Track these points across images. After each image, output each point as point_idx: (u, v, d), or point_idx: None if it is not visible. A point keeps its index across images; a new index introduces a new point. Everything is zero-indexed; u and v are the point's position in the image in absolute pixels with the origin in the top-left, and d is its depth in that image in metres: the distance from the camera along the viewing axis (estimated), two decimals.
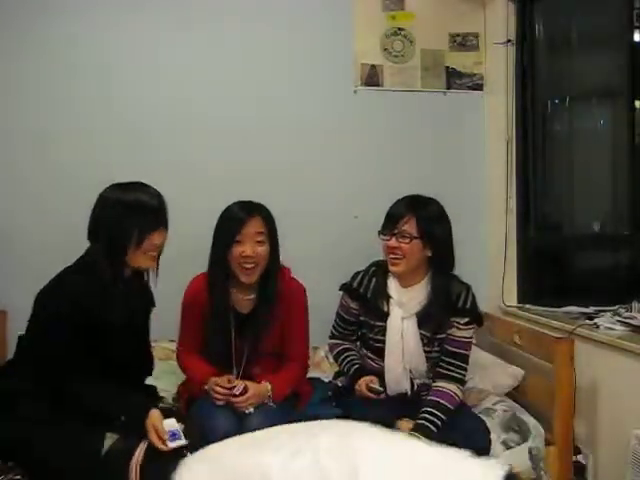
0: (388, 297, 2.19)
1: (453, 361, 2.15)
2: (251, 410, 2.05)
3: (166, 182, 2.84)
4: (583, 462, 2.35)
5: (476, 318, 2.19)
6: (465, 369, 2.17)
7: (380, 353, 2.20)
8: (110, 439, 1.81)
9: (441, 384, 2.13)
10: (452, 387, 2.12)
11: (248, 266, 2.11)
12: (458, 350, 2.15)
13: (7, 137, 2.82)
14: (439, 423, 2.04)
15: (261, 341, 2.18)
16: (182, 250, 2.79)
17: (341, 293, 2.30)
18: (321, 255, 2.75)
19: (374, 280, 2.23)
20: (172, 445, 1.80)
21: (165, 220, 1.97)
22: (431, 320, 2.16)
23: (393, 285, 2.20)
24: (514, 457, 2.16)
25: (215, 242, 2.17)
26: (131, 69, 2.89)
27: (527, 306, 2.92)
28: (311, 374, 2.57)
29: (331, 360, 2.77)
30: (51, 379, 1.86)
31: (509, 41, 2.99)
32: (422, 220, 2.11)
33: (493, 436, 2.16)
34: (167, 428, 1.83)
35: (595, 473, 2.34)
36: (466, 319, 2.15)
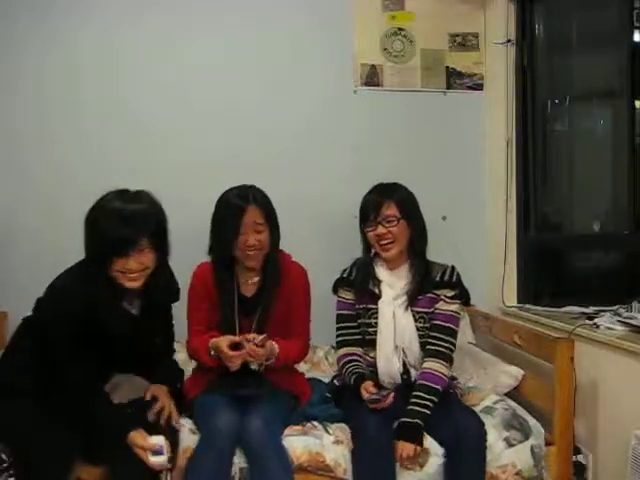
0: (378, 281, 2.30)
1: (441, 335, 2.22)
2: (256, 367, 2.15)
3: (167, 180, 2.90)
4: (583, 462, 2.34)
5: (462, 293, 2.29)
6: (453, 344, 2.23)
7: (374, 343, 2.26)
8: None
9: (428, 365, 2.19)
10: (437, 366, 2.17)
11: (251, 253, 2.20)
12: (445, 324, 2.23)
13: (10, 137, 2.83)
14: (430, 404, 2.10)
15: (265, 322, 2.23)
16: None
17: (336, 298, 2.38)
18: (319, 255, 2.75)
19: (362, 269, 2.35)
20: (153, 460, 1.81)
21: (132, 246, 1.81)
22: (420, 296, 2.25)
23: (380, 270, 2.33)
24: (516, 455, 2.16)
25: (215, 231, 2.24)
26: (133, 69, 2.90)
27: (527, 306, 2.92)
28: (310, 375, 2.58)
29: (330, 360, 2.78)
30: (48, 379, 1.86)
31: (509, 41, 2.98)
32: (400, 202, 2.26)
33: (495, 434, 2.17)
34: (153, 443, 1.82)
35: (595, 473, 2.34)
36: (452, 292, 2.26)
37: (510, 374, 2.48)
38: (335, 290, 2.39)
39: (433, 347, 2.21)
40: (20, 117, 2.83)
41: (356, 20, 3.04)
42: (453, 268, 2.30)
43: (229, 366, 2.09)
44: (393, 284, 2.29)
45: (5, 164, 2.82)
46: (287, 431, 2.12)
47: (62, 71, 2.85)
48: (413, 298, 2.25)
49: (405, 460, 2.04)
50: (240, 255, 2.22)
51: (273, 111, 2.98)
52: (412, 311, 2.25)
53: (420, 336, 2.25)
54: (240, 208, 2.17)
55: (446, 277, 2.27)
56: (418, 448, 2.05)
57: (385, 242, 2.25)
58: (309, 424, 2.17)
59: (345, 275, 2.37)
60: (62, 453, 1.78)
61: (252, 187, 2.25)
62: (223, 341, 2.09)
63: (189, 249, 2.76)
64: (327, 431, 2.14)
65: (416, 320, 2.25)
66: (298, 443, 2.08)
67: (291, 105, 2.99)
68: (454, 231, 3.06)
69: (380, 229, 2.25)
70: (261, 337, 2.09)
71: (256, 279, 2.29)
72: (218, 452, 1.98)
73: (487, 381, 2.49)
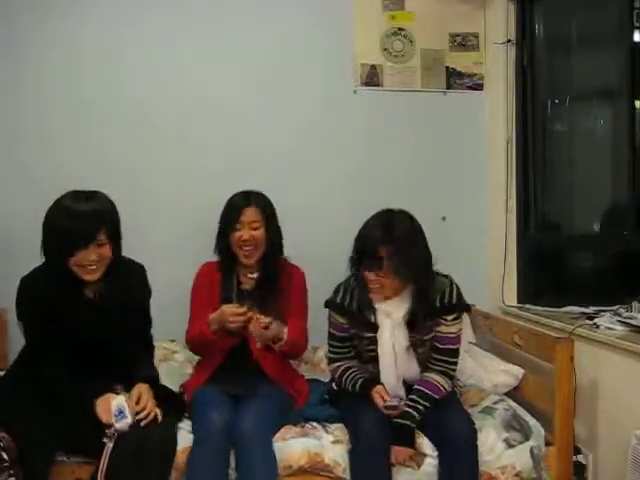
0: (374, 309, 2.18)
1: (443, 357, 2.18)
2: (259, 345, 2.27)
3: (167, 180, 2.91)
4: (583, 462, 2.34)
5: (462, 309, 2.22)
6: (455, 363, 2.21)
7: (373, 361, 2.22)
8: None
9: (428, 375, 2.18)
10: (438, 378, 2.16)
11: (247, 248, 2.36)
12: (447, 346, 2.18)
13: (10, 137, 2.83)
14: (422, 409, 2.09)
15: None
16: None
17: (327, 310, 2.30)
18: (320, 255, 2.75)
19: (357, 293, 2.20)
20: (118, 425, 1.88)
21: (86, 239, 1.92)
22: (419, 323, 2.16)
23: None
24: (516, 456, 2.16)
25: (219, 229, 2.43)
26: (133, 69, 2.90)
27: (527, 306, 2.91)
28: (310, 375, 2.58)
29: None
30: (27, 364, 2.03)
31: (509, 41, 2.98)
32: (397, 253, 2.04)
33: (494, 435, 2.17)
34: (114, 407, 1.91)
35: (595, 473, 2.34)
36: (453, 315, 2.17)
37: (510, 373, 2.48)
38: (327, 306, 2.28)
39: (436, 367, 2.18)
40: (20, 117, 2.83)
41: (356, 20, 3.04)
42: (451, 283, 2.18)
43: (230, 326, 2.21)
44: (390, 313, 2.17)
45: (5, 164, 2.82)
46: (286, 434, 2.12)
47: (62, 71, 2.85)
48: (412, 325, 2.16)
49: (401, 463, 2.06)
50: (236, 251, 2.38)
51: (273, 111, 2.98)
52: (411, 338, 2.17)
53: (421, 360, 2.21)
54: (239, 207, 2.38)
55: (446, 300, 2.15)
56: (412, 451, 2.06)
57: (373, 286, 2.11)
58: (308, 425, 2.18)
59: (338, 300, 2.23)
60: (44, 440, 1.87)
61: (254, 192, 2.42)
62: (226, 306, 2.23)
63: (188, 248, 2.78)
64: (326, 431, 2.15)
65: (417, 347, 2.19)
66: (297, 446, 2.08)
67: (291, 105, 2.99)
68: (454, 231, 3.06)
69: (371, 276, 2.08)
70: (267, 319, 2.19)
71: (255, 275, 2.41)
72: (212, 450, 1.99)
73: (487, 380, 2.49)
